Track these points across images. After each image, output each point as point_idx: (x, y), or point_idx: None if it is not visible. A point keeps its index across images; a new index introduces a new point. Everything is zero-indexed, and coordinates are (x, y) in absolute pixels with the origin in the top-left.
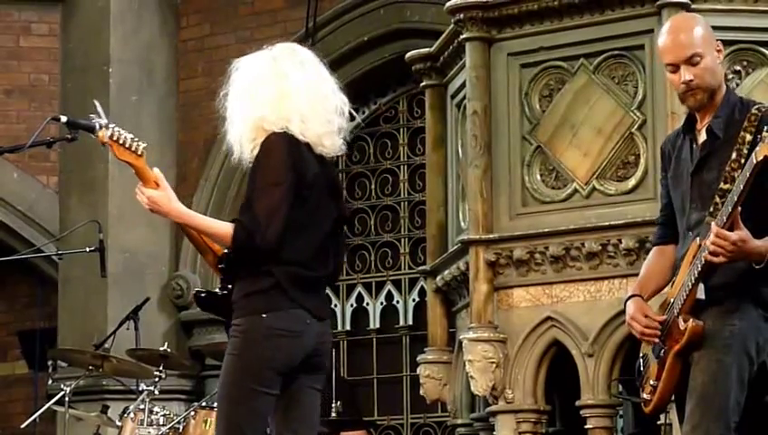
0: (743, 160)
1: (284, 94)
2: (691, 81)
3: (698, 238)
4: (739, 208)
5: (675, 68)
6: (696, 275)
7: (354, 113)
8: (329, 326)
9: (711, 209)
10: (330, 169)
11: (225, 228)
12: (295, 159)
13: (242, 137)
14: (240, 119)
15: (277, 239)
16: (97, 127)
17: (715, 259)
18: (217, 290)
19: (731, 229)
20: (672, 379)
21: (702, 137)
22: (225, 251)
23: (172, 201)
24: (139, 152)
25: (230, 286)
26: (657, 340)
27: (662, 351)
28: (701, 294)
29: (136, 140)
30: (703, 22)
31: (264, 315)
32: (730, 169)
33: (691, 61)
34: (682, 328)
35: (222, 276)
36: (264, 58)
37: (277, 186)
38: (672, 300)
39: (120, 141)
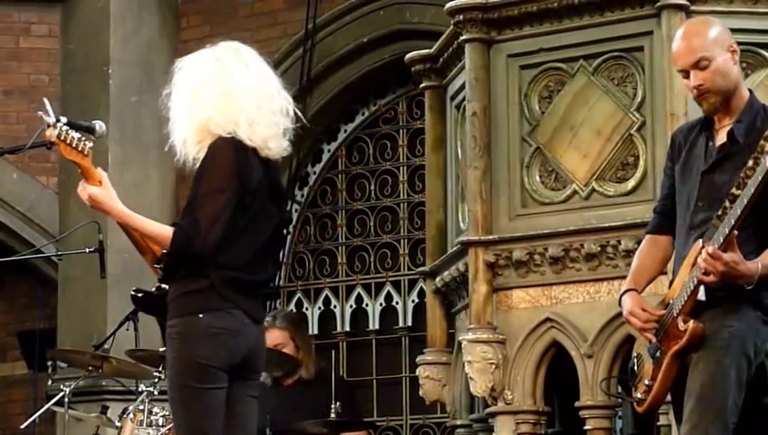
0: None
1: (231, 96)
2: (700, 85)
3: (701, 240)
4: (735, 232)
5: (686, 74)
6: (699, 278)
7: (299, 113)
8: (263, 331)
9: (719, 213)
10: (274, 172)
11: (165, 231)
12: (241, 166)
13: (187, 139)
14: (185, 120)
15: (216, 246)
16: (44, 125)
17: (706, 278)
18: (153, 290)
19: (725, 250)
20: (668, 379)
21: (720, 138)
22: (164, 251)
23: (114, 201)
24: (86, 152)
25: (166, 287)
26: (654, 338)
27: (658, 351)
28: (702, 295)
29: (83, 139)
30: (716, 24)
31: (200, 315)
32: (744, 175)
33: (698, 65)
34: (682, 329)
35: (159, 276)
36: (207, 58)
37: (221, 192)
38: (672, 300)
39: (67, 141)
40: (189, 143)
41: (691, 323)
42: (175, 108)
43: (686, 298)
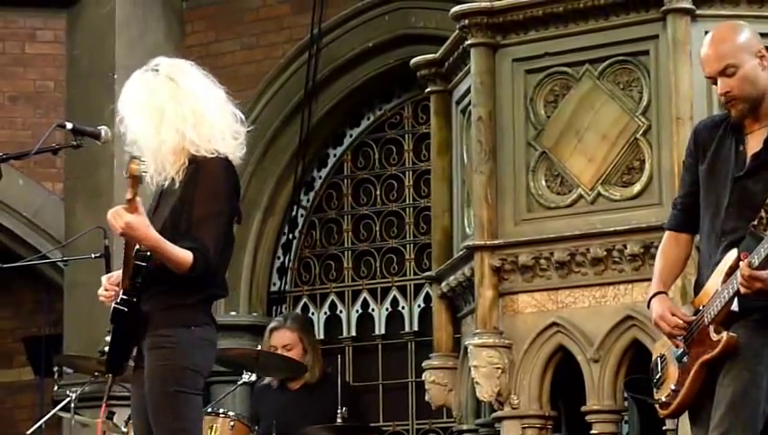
0: None
1: (199, 113)
2: (727, 92)
3: (736, 250)
4: None
5: (714, 80)
6: (735, 290)
7: (241, 115)
8: None
9: (755, 222)
10: None
11: (186, 256)
12: (232, 187)
13: (163, 163)
14: (155, 143)
15: (217, 267)
16: (130, 159)
17: (743, 291)
18: (120, 302)
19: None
20: (696, 386)
21: (753, 144)
22: (142, 264)
23: (149, 227)
24: (143, 182)
25: (135, 299)
26: (682, 343)
27: (685, 356)
28: (735, 306)
29: (145, 171)
30: (744, 29)
31: (192, 327)
32: None
33: (725, 72)
34: (715, 339)
35: (132, 289)
36: (158, 79)
37: (221, 215)
38: (702, 307)
39: (141, 177)
40: (165, 165)
41: (725, 335)
42: (137, 132)
43: (719, 308)
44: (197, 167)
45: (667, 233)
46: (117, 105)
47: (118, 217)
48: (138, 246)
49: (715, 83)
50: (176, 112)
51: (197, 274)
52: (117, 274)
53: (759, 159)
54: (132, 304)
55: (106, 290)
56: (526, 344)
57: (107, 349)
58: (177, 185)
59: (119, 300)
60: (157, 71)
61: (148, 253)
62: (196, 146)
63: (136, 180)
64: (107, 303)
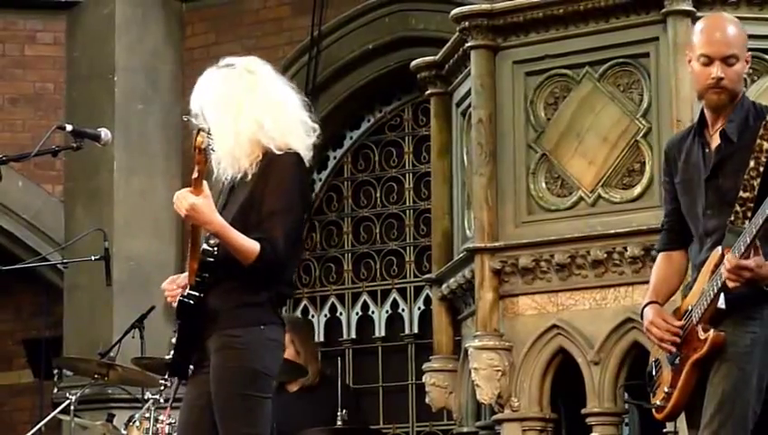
0: (761, 169)
1: (279, 107)
2: (721, 79)
3: (720, 247)
4: (757, 241)
5: (709, 60)
6: (720, 286)
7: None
8: None
9: (732, 218)
10: None
11: (253, 245)
12: (304, 185)
13: (236, 152)
14: (231, 134)
15: (286, 262)
16: (195, 130)
17: (731, 284)
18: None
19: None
20: (688, 387)
21: (715, 142)
22: (210, 259)
23: (214, 212)
24: (209, 159)
25: (201, 294)
26: (673, 349)
27: (677, 358)
28: (722, 303)
29: (211, 145)
30: (744, 29)
31: (262, 327)
32: (749, 177)
33: (728, 60)
34: (702, 338)
35: (198, 285)
36: (236, 73)
37: (291, 211)
38: (690, 308)
39: (207, 151)
40: (240, 156)
41: (712, 333)
42: (215, 122)
43: (705, 306)
44: (269, 161)
45: (659, 254)
46: (189, 100)
47: (183, 199)
48: (205, 243)
49: (707, 64)
50: (253, 103)
51: (264, 265)
52: (184, 276)
53: (720, 153)
54: (198, 298)
55: (172, 290)
56: (526, 347)
57: (173, 350)
58: (249, 178)
59: (185, 294)
60: (233, 65)
61: (215, 249)
62: (272, 139)
63: (202, 155)
64: (172, 302)
